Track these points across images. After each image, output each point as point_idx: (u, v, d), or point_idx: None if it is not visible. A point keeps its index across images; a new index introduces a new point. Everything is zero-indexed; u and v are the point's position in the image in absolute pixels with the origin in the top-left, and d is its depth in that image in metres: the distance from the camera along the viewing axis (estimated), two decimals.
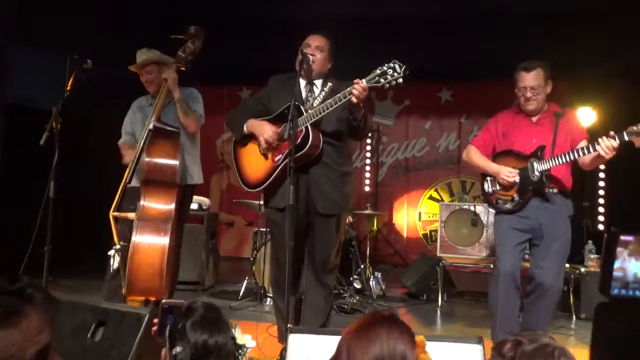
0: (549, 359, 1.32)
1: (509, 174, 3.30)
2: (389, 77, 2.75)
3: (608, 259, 1.40)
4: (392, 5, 5.46)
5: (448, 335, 4.17)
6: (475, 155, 3.53)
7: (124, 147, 3.87)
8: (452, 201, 6.87)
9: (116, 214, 3.46)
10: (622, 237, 1.38)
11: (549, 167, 3.19)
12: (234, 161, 3.33)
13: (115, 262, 3.39)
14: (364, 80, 2.80)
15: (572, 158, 3.13)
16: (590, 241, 5.48)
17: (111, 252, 3.42)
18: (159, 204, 3.43)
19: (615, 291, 1.39)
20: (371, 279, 5.25)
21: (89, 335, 2.30)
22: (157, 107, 3.59)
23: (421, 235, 7.40)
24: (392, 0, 5.42)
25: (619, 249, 1.37)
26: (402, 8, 5.51)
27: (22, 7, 4.63)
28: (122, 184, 3.55)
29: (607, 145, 2.94)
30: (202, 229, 5.28)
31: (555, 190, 3.26)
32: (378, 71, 2.78)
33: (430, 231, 7.22)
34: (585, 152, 3.07)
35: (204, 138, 7.34)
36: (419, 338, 1.42)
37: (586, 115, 5.84)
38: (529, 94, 3.28)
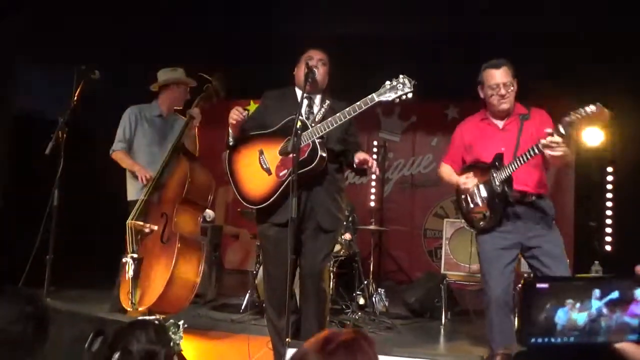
0: None
1: (465, 180, 3.17)
2: (399, 91, 2.79)
3: (525, 308, 1.36)
4: (399, 24, 5.49)
5: (450, 354, 4.13)
6: (444, 172, 3.45)
7: (119, 154, 3.97)
8: (458, 218, 6.83)
9: (136, 222, 3.54)
10: (538, 285, 1.34)
11: (507, 174, 3.03)
12: (229, 176, 3.22)
13: (130, 271, 3.42)
14: (374, 95, 2.82)
15: (525, 160, 2.95)
16: (597, 262, 5.43)
17: (126, 260, 3.45)
18: (193, 222, 3.77)
19: (532, 340, 1.36)
20: (374, 295, 5.21)
21: (86, 346, 2.28)
22: (180, 136, 3.86)
23: (426, 252, 7.35)
24: (399, 18, 5.44)
25: (542, 298, 1.34)
26: (410, 26, 5.54)
27: (30, 19, 4.70)
28: (143, 195, 3.69)
29: (549, 143, 2.76)
30: (206, 241, 5.26)
31: (533, 197, 3.09)
32: (387, 86, 2.82)
33: (435, 248, 7.17)
34: (532, 153, 2.90)
35: (211, 151, 7.40)
36: None
37: (594, 135, 5.79)
38: (503, 91, 3.09)
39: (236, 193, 3.21)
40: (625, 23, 4.90)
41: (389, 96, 2.80)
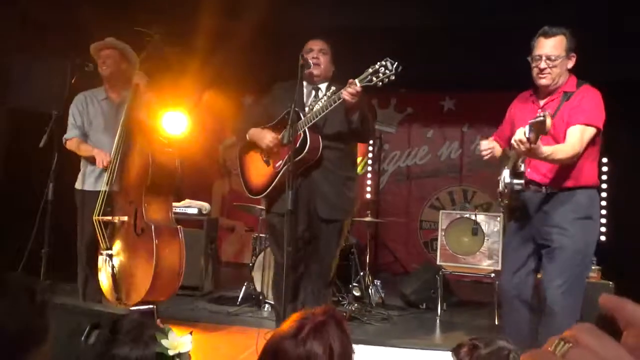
0: None
1: (486, 146, 2.93)
2: (380, 75, 2.74)
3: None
4: (396, 15, 5.47)
5: (445, 344, 4.15)
6: None
7: (74, 142, 3.72)
8: (454, 209, 6.84)
9: (101, 217, 3.46)
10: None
11: (513, 164, 2.76)
12: (239, 169, 3.36)
13: (108, 267, 3.40)
14: (357, 80, 2.80)
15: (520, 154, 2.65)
16: None
17: (103, 258, 3.42)
18: (165, 207, 3.59)
19: None
20: (370, 287, 5.22)
21: (82, 339, 2.29)
22: (130, 111, 3.57)
23: (422, 244, 7.37)
24: (396, 10, 5.42)
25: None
26: (406, 18, 5.52)
27: (25, 12, 4.66)
28: (104, 186, 3.53)
29: (514, 141, 2.53)
30: (202, 233, 5.26)
31: (552, 189, 2.76)
32: (370, 70, 2.79)
33: (431, 239, 7.19)
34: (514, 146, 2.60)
35: (207, 143, 7.35)
36: None
37: None
38: (543, 65, 2.73)
39: (243, 186, 3.32)
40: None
41: (371, 81, 2.76)
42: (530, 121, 2.41)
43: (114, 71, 3.71)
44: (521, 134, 2.47)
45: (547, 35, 2.76)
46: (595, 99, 2.77)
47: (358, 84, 2.78)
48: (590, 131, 2.68)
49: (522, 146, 2.48)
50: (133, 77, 3.58)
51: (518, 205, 2.87)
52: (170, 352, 1.47)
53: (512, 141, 2.54)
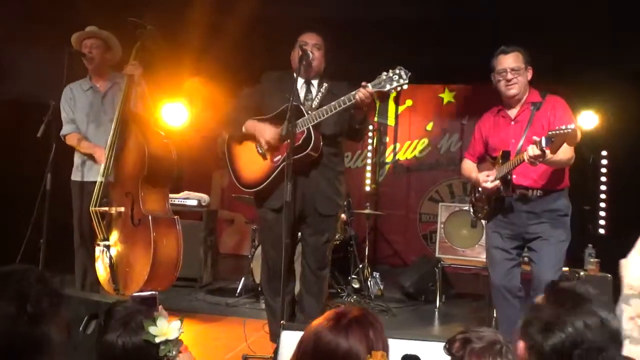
0: (497, 357, 1.32)
1: (486, 179, 3.11)
2: (395, 83, 2.82)
3: None
4: (396, 7, 5.44)
5: (444, 336, 4.16)
6: (464, 168, 3.44)
7: (72, 137, 3.71)
8: (453, 202, 6.84)
9: (97, 208, 3.45)
10: None
11: (503, 174, 3.00)
12: (228, 160, 3.28)
13: (106, 258, 3.40)
14: (369, 84, 2.85)
15: (516, 164, 2.92)
16: (590, 245, 5.45)
17: (100, 249, 3.41)
18: (162, 198, 3.58)
19: None
20: (369, 279, 5.24)
21: (80, 329, 2.29)
22: (124, 102, 3.52)
23: (421, 236, 7.37)
24: (396, 2, 5.39)
25: None
26: (406, 10, 5.49)
27: (20, 1, 4.63)
28: (100, 177, 3.50)
29: (528, 155, 2.77)
30: (201, 225, 5.26)
31: (540, 193, 3.05)
32: (384, 76, 2.84)
33: (430, 232, 7.19)
34: (520, 160, 2.87)
35: (207, 135, 7.30)
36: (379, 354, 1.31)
37: (589, 119, 5.84)
38: (509, 76, 3.04)
39: (233, 177, 3.26)
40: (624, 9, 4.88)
41: (384, 87, 2.82)
42: (551, 132, 2.69)
43: (99, 61, 3.68)
44: (534, 149, 2.74)
45: (505, 52, 3.11)
46: (566, 106, 3.11)
47: (371, 88, 2.83)
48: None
49: (537, 160, 2.77)
50: (117, 65, 3.57)
51: (501, 207, 3.12)
52: (157, 339, 1.47)
53: (526, 157, 2.79)
